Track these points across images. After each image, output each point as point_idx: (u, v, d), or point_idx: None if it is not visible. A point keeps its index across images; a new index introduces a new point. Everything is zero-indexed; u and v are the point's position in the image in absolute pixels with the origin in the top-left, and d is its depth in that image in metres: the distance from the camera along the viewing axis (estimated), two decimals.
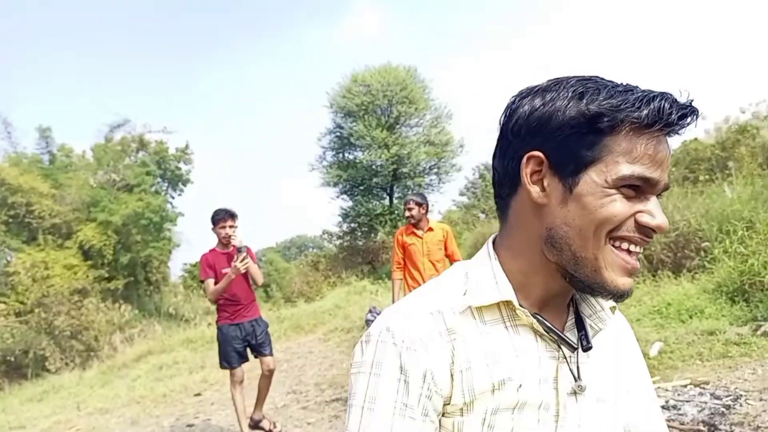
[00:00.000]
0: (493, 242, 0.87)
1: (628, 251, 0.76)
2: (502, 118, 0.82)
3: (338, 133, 20.50)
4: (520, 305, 0.80)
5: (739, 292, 6.34)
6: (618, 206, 0.73)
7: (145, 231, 16.37)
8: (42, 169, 17.01)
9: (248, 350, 4.99)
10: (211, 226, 4.87)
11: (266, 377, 5.04)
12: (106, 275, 14.47)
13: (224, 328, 4.90)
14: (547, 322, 0.81)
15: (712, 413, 3.85)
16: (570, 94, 0.75)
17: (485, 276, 0.82)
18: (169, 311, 15.56)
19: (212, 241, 4.99)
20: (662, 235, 8.87)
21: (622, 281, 0.76)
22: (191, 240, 20.96)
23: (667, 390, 4.47)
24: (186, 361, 9.66)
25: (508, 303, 0.80)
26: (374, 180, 19.83)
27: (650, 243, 0.78)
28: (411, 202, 5.42)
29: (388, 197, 20.48)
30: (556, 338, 0.81)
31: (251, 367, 5.40)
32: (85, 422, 6.90)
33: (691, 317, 6.30)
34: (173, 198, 20.94)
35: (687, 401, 4.16)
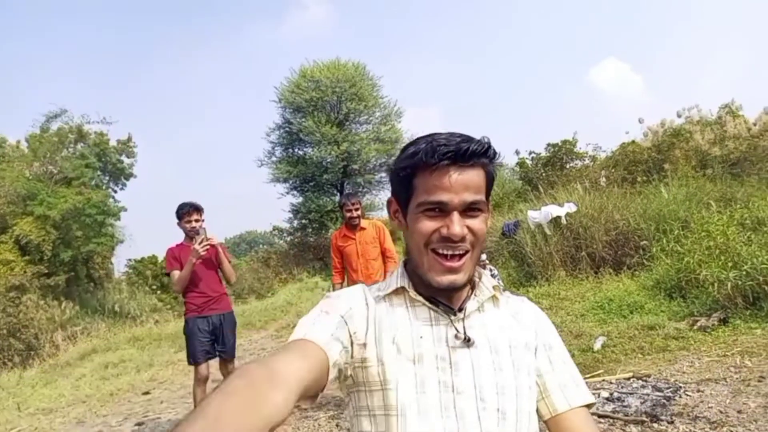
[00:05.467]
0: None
1: (444, 256, 1.03)
2: None
3: (287, 129, 20.33)
4: (418, 292, 1.09)
5: (677, 288, 6.67)
6: (423, 225, 1.04)
7: (86, 226, 15.78)
8: None
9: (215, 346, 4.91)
10: (177, 221, 4.81)
11: None
12: (46, 271, 13.87)
13: (191, 321, 4.80)
14: (437, 299, 1.08)
15: (654, 404, 4.08)
16: (403, 152, 1.08)
17: (395, 276, 1.15)
18: (114, 308, 15.08)
19: (158, 236, 4.96)
20: (603, 234, 9.25)
21: (439, 278, 1.04)
22: (135, 235, 20.38)
23: (611, 383, 4.69)
24: (133, 359, 9.43)
25: (404, 289, 1.10)
26: (324, 176, 19.78)
27: (459, 246, 1.03)
28: (357, 203, 5.32)
29: (338, 194, 20.45)
30: (443, 308, 1.08)
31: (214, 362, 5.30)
32: (27, 423, 6.65)
33: (632, 312, 6.60)
34: (115, 192, 20.22)
35: (630, 393, 4.38)
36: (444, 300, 1.09)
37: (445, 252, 1.03)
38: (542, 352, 1.15)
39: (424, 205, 1.03)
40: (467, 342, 1.06)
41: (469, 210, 1.03)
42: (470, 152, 1.01)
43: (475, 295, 1.13)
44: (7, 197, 15.03)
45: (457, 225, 1.01)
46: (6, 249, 13.87)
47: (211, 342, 4.86)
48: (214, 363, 5.00)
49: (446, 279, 1.04)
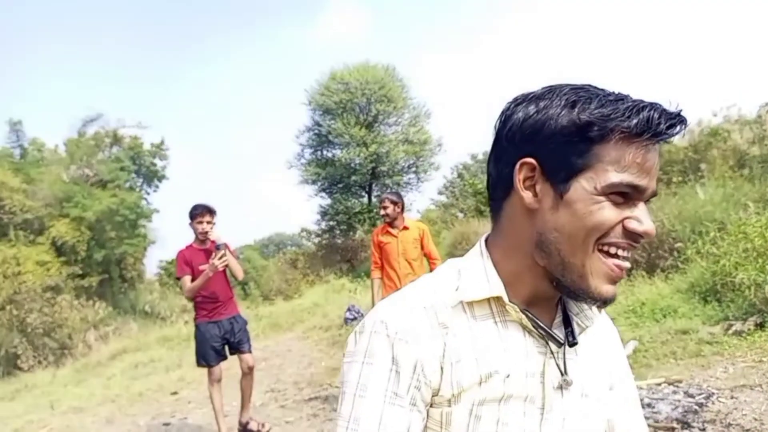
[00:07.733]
0: (486, 241, 0.88)
1: (617, 256, 0.77)
2: (497, 124, 0.84)
3: (317, 131, 20.45)
4: (510, 301, 0.81)
5: (712, 292, 6.45)
6: (607, 213, 0.75)
7: (119, 227, 16.15)
8: (13, 163, 16.68)
9: (227, 348, 4.95)
10: (189, 221, 4.83)
11: (246, 376, 5.00)
12: (80, 272, 14.23)
13: (202, 326, 4.85)
14: (535, 319, 0.82)
15: (685, 411, 3.94)
16: (563, 102, 0.77)
17: (477, 273, 0.83)
18: (145, 309, 15.37)
19: (189, 238, 4.95)
20: None
21: (605, 288, 0.77)
22: (167, 237, 20.78)
23: (641, 388, 4.55)
24: (162, 359, 9.57)
25: (498, 299, 0.81)
26: (353, 178, 19.82)
27: (637, 247, 0.78)
28: (386, 201, 5.40)
29: (366, 195, 20.48)
30: (544, 334, 0.82)
31: (228, 366, 5.37)
32: (59, 421, 6.80)
33: (665, 317, 6.41)
34: (148, 194, 20.73)
35: (661, 399, 4.24)
36: (540, 319, 0.82)
37: (621, 253, 0.77)
38: (618, 390, 0.94)
39: (616, 187, 0.74)
40: (568, 385, 0.83)
41: (645, 202, 0.79)
42: (680, 126, 0.76)
43: (574, 314, 0.87)
44: (45, 200, 15.46)
45: (649, 220, 0.76)
46: (43, 250, 14.25)
47: (223, 344, 4.91)
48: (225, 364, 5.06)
49: (612, 291, 0.78)
